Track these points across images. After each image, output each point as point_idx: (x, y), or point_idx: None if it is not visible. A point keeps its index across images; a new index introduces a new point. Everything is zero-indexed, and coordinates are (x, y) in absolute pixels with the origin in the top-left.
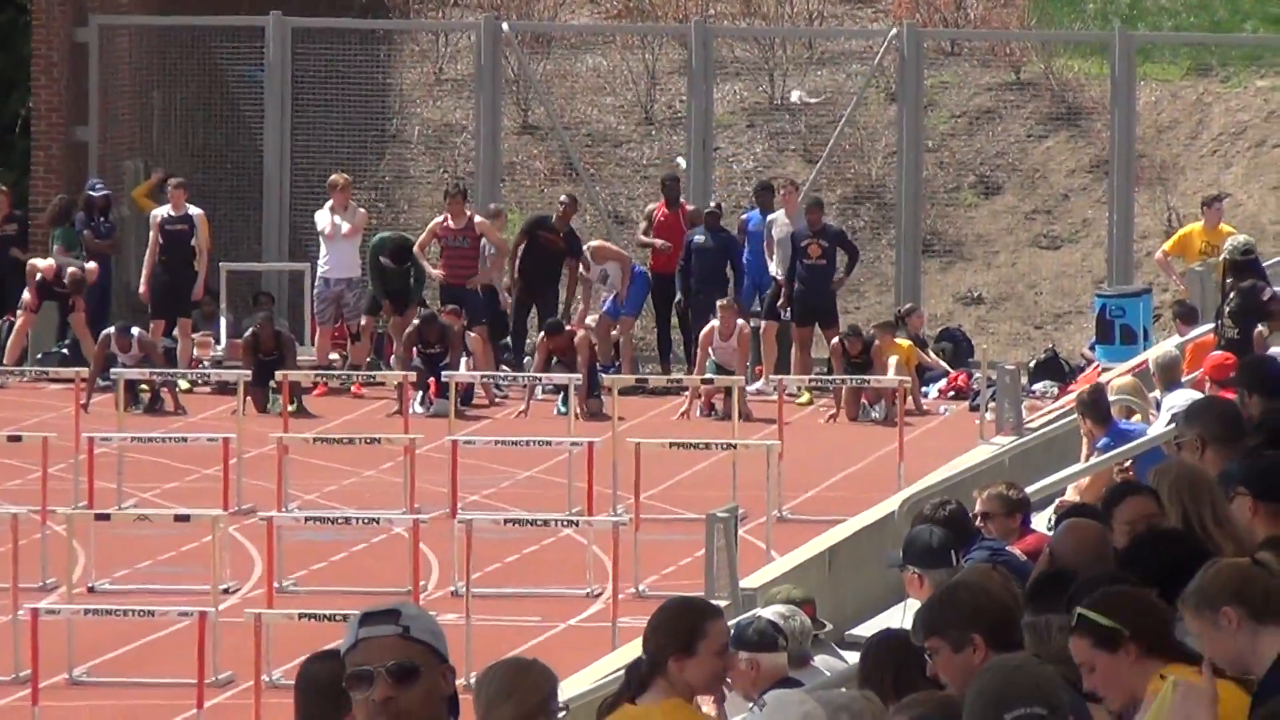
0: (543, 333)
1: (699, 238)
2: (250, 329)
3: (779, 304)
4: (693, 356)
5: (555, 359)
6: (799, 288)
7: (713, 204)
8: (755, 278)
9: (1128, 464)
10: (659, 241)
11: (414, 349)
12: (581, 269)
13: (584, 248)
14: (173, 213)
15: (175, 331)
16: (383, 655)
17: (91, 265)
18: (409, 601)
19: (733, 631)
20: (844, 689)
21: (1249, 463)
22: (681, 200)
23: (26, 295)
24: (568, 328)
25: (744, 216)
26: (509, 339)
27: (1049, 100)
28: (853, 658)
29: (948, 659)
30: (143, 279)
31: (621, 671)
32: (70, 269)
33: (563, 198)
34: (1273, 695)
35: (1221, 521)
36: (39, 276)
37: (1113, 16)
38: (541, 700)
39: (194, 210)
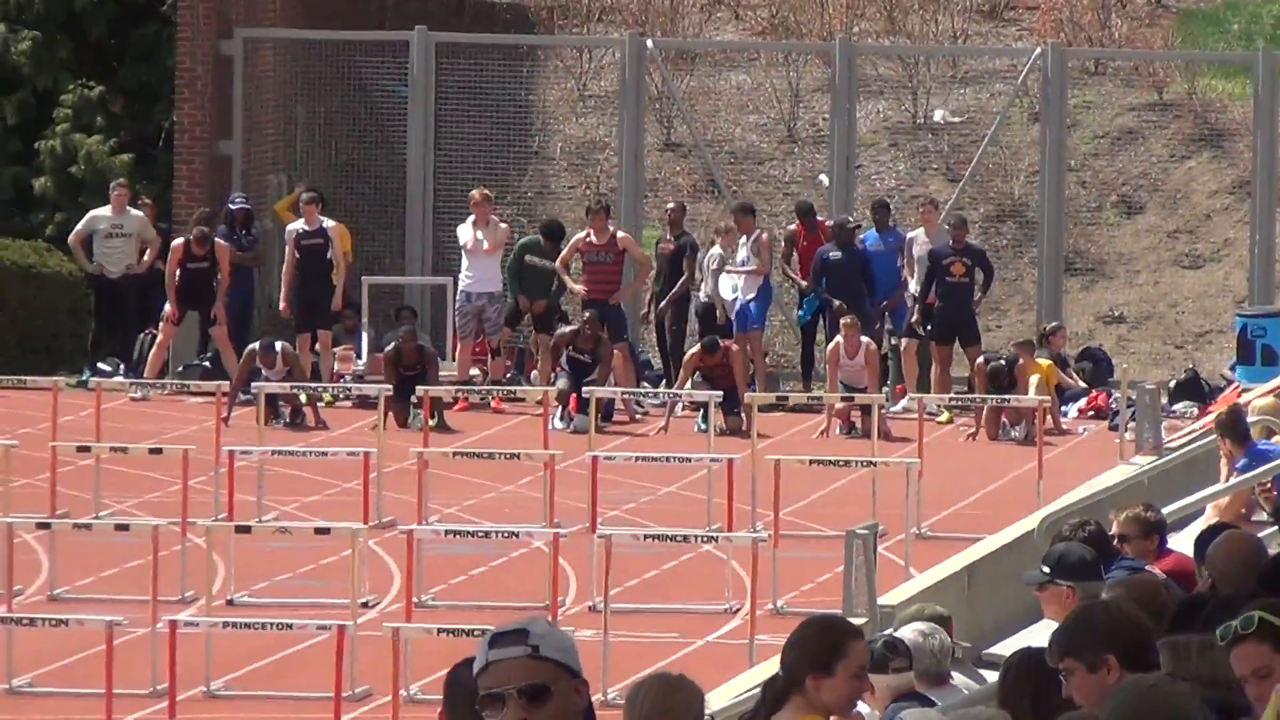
0: (697, 347)
1: (833, 253)
2: (392, 343)
3: (914, 321)
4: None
5: (701, 375)
6: (940, 305)
7: (850, 220)
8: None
9: (1269, 484)
10: (803, 282)
11: (564, 351)
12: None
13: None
14: (306, 227)
15: (317, 345)
16: (513, 676)
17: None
18: (538, 618)
19: None
20: (982, 708)
21: None
22: (820, 219)
23: (168, 308)
24: (723, 344)
25: (861, 235)
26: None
27: (1192, 121)
28: (990, 677)
29: (1082, 680)
30: (282, 294)
31: (758, 689)
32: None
33: (669, 205)
34: None
35: None
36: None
37: (1257, 36)
38: (695, 716)
39: (328, 223)
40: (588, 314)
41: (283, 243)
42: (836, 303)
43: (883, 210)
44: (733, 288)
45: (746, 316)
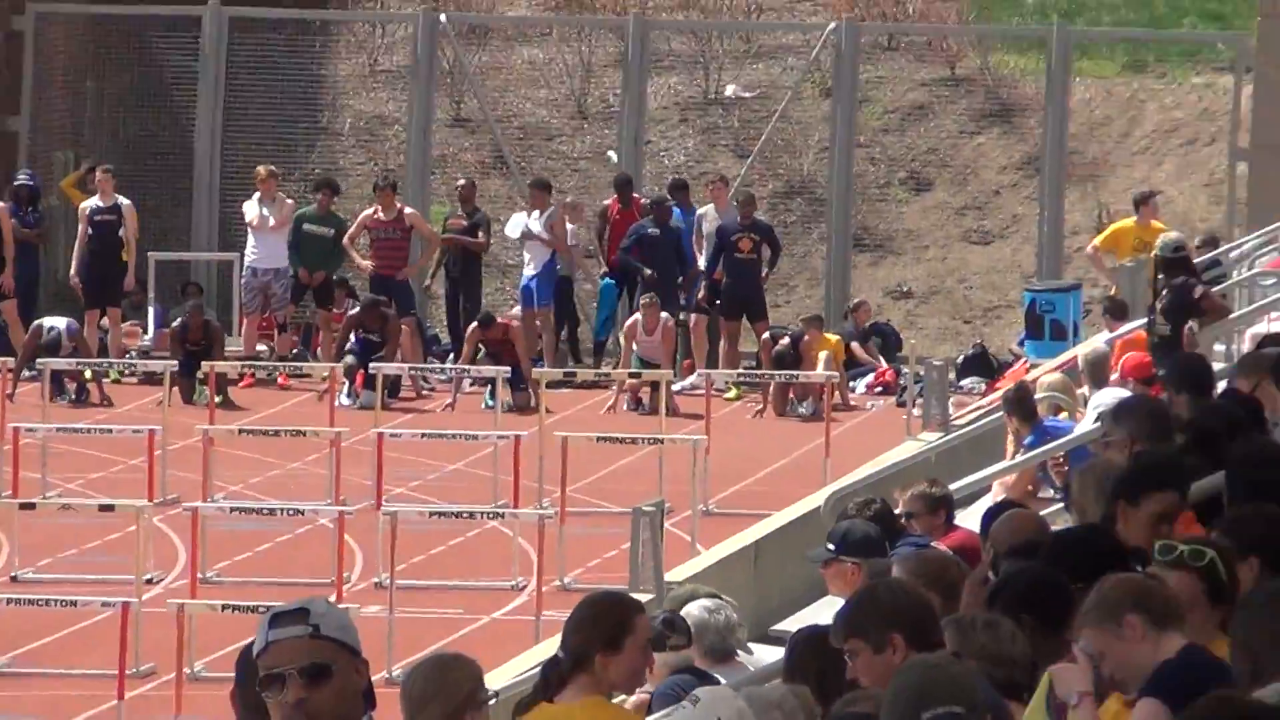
0: (475, 324)
1: (650, 230)
2: (179, 319)
3: (701, 297)
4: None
5: (483, 351)
6: (728, 281)
7: (668, 198)
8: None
9: (1061, 460)
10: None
11: (353, 331)
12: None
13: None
14: (101, 202)
15: (104, 321)
16: (294, 656)
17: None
18: (318, 598)
19: None
20: (776, 683)
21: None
22: (635, 196)
23: None
24: (499, 320)
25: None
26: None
27: (983, 96)
28: (776, 653)
29: (867, 660)
30: (73, 269)
31: (537, 669)
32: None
33: (460, 182)
34: (1175, 680)
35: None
36: None
37: (1051, 11)
38: (468, 694)
39: (123, 200)
40: (364, 300)
41: (69, 220)
42: (648, 272)
43: (680, 190)
44: (520, 227)
45: (530, 294)
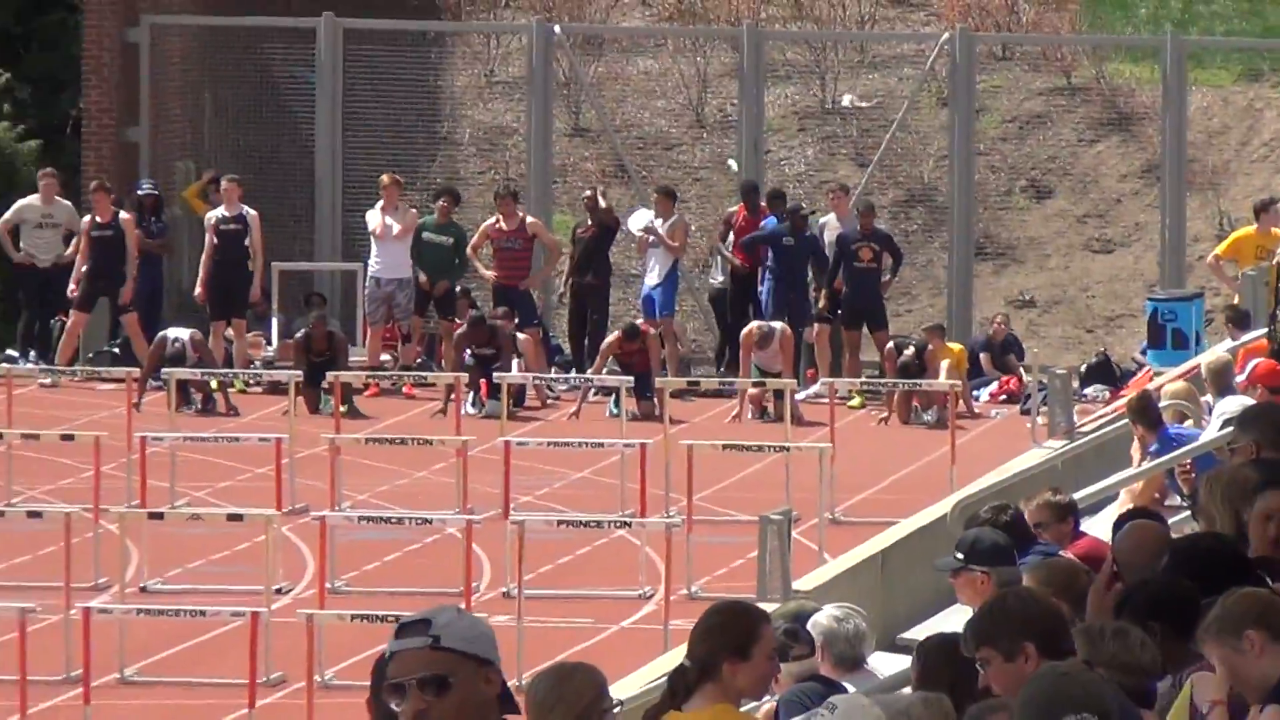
0: (617, 333)
1: (787, 240)
2: (303, 329)
3: (822, 307)
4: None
5: (617, 361)
6: (848, 291)
7: (804, 206)
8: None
9: (1188, 467)
10: (737, 260)
11: (465, 350)
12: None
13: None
14: (226, 212)
15: (228, 332)
16: (414, 667)
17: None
18: (446, 607)
19: None
20: (909, 691)
21: None
22: (762, 206)
23: (71, 286)
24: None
25: (762, 223)
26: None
27: (1100, 105)
28: (903, 662)
29: (999, 669)
30: (199, 280)
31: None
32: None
33: (586, 193)
34: None
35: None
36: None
37: (1164, 21)
38: (590, 702)
39: (248, 210)
40: (471, 316)
41: (192, 229)
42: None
43: (779, 200)
44: (644, 222)
45: (653, 304)
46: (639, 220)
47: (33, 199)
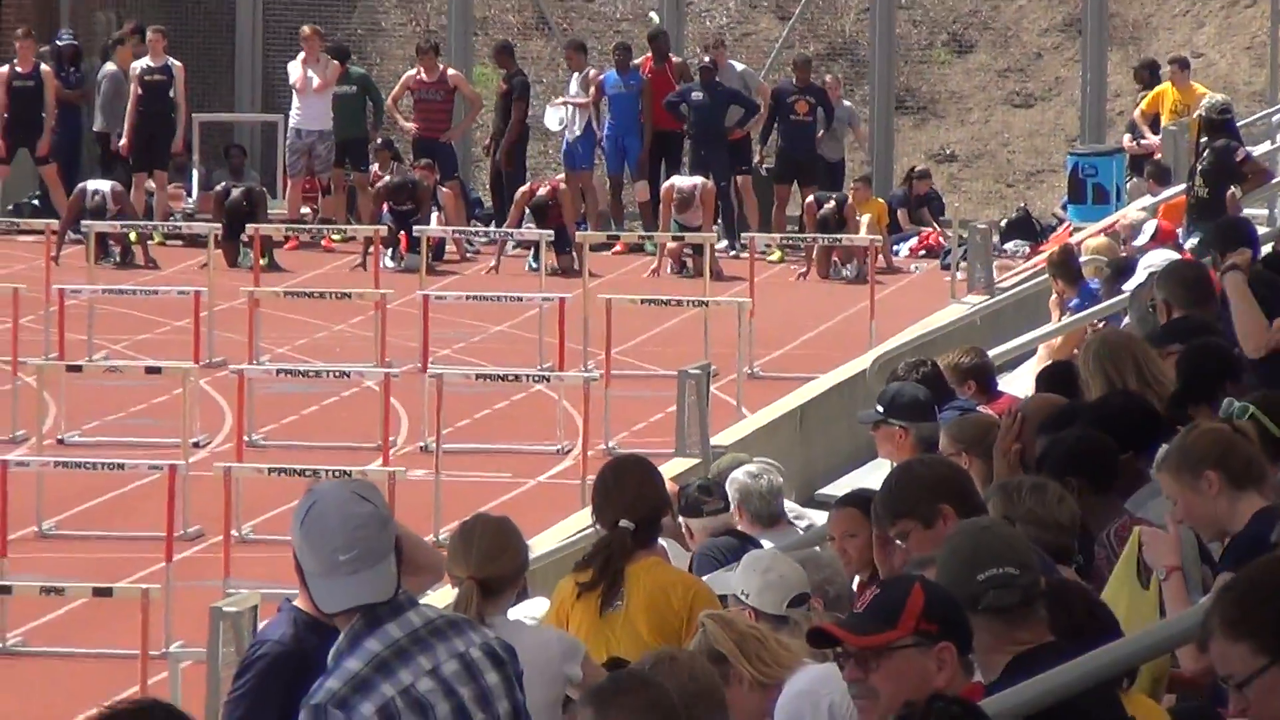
0: (527, 185)
1: (696, 94)
2: (222, 182)
3: (758, 162)
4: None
5: (531, 214)
6: (783, 144)
7: (707, 59)
8: (617, 142)
9: (1101, 324)
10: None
11: (384, 205)
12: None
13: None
14: (152, 63)
15: (150, 184)
16: None
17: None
18: None
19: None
20: (817, 548)
21: None
22: (669, 55)
23: None
24: (548, 183)
25: (601, 77)
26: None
27: None
28: (822, 516)
29: (921, 537)
30: (124, 131)
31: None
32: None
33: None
34: (1245, 551)
35: (1150, 381)
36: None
37: None
38: (527, 558)
39: (173, 62)
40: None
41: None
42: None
43: (623, 52)
44: (559, 120)
45: (574, 157)
46: (552, 118)
47: None
